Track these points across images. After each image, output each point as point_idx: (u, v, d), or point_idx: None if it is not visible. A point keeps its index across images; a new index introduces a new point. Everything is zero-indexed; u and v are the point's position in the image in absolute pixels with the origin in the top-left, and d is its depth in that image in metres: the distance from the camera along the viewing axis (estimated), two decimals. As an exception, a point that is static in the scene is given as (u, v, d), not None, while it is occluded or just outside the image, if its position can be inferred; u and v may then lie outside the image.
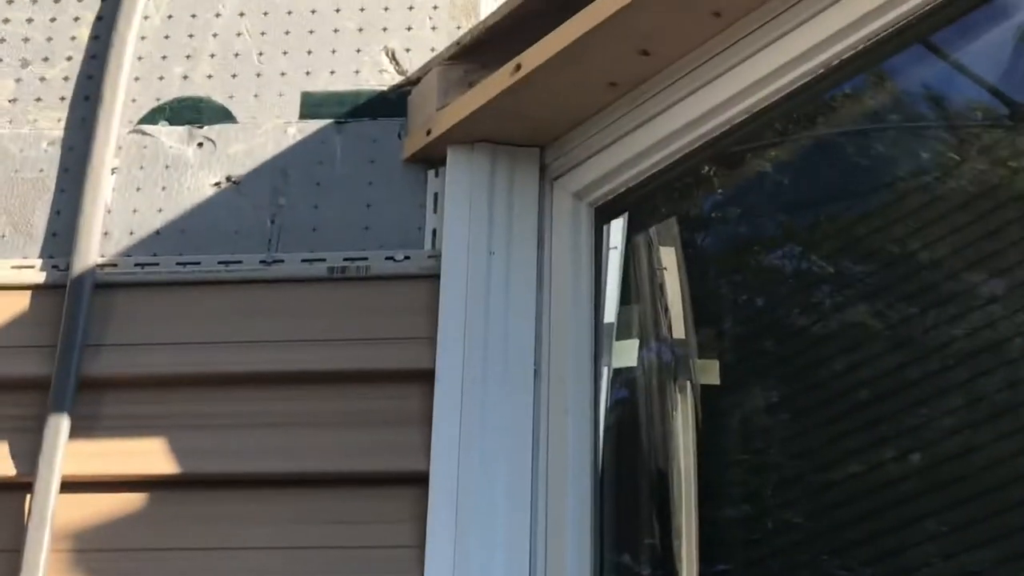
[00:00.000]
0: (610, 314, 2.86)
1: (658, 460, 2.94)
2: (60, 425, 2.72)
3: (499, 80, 2.76)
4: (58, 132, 3.04)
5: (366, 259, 2.85)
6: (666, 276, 3.01)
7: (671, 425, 2.93)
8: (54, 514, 2.66)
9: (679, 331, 3.01)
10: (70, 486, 2.69)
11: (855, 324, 2.63)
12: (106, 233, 2.93)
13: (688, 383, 2.94)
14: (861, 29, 2.48)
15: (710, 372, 2.87)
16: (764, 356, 2.82)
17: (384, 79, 3.04)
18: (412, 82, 3.00)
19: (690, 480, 2.83)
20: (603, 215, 2.83)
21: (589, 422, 2.67)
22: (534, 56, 2.69)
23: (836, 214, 2.79)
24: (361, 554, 2.63)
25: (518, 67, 2.72)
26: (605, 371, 2.84)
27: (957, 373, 2.45)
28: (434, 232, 2.86)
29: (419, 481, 2.64)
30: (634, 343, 2.94)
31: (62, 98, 3.08)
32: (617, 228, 2.86)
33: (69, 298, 2.83)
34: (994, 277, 2.44)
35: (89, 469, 2.71)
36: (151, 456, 2.72)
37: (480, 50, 2.90)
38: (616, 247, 2.87)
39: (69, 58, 3.12)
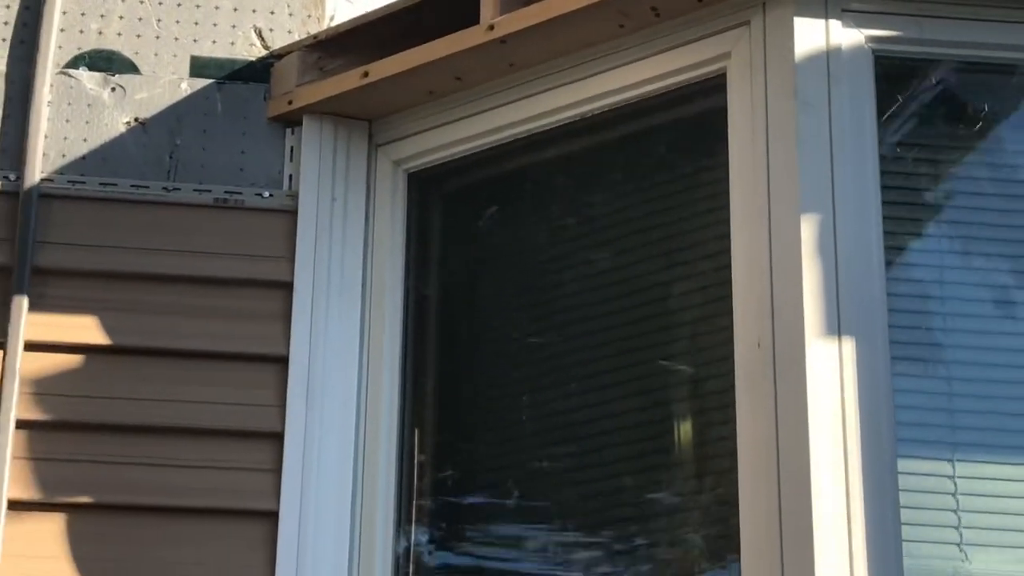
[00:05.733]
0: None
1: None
2: (22, 303, 3.76)
3: (348, 80, 3.89)
4: (1, 67, 4.00)
5: (241, 193, 3.95)
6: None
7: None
8: (20, 367, 3.74)
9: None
10: (32, 346, 3.72)
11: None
12: (45, 154, 3.94)
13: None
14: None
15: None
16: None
17: (253, 51, 4.10)
18: (276, 56, 4.06)
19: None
20: (415, 180, 4.04)
21: (400, 328, 3.91)
22: (380, 69, 3.85)
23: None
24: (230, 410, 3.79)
25: (366, 74, 3.87)
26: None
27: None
28: (290, 177, 3.98)
29: (280, 361, 3.81)
30: None
31: (3, 39, 4.01)
32: None
33: (23, 203, 3.80)
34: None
35: (45, 336, 3.74)
36: (89, 329, 3.78)
37: (332, 44, 4.03)
38: None
39: (8, 6, 4.03)
